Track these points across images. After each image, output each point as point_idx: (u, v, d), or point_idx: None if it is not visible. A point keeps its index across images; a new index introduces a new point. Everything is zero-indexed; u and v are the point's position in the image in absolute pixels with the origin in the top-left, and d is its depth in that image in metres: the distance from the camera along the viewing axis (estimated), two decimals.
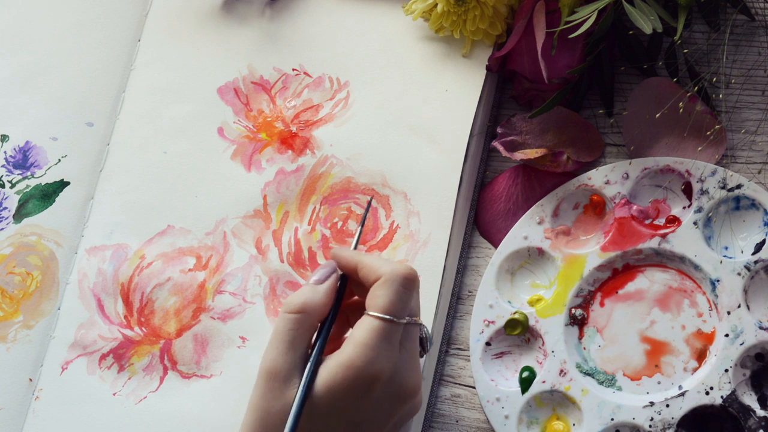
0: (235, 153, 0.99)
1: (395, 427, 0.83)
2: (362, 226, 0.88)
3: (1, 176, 1.03)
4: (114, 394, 0.95)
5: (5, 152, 1.04)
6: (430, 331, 0.87)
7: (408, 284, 0.81)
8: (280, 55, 1.01)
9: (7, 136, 1.04)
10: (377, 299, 0.80)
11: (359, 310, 0.83)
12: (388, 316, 0.80)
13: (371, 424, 0.80)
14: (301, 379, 0.79)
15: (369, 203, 0.90)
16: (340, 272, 0.85)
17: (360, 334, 0.79)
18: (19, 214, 1.02)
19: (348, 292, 0.86)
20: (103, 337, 0.97)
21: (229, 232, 0.97)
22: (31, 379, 0.97)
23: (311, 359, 0.80)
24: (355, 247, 0.87)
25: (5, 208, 1.02)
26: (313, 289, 0.82)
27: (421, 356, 0.85)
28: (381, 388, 0.79)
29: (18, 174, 1.03)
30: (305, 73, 1.00)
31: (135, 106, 1.02)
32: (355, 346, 0.79)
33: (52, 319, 0.98)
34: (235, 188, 0.98)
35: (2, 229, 1.02)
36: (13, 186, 1.03)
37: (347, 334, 0.86)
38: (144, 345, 0.96)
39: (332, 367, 0.79)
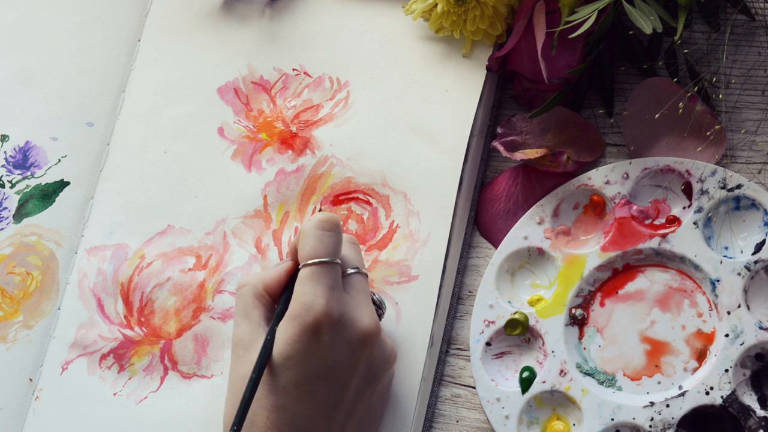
0: (236, 153, 0.99)
1: (372, 377, 0.85)
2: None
3: (1, 176, 1.03)
4: (114, 395, 0.95)
5: (5, 152, 1.04)
6: (378, 298, 0.90)
7: (324, 225, 0.84)
8: (280, 55, 1.01)
9: (7, 136, 1.04)
10: (300, 251, 0.84)
11: None
12: (313, 261, 0.82)
13: (336, 371, 0.82)
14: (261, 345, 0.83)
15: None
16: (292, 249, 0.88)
17: (296, 287, 0.83)
18: (19, 214, 1.02)
19: None
20: (103, 337, 0.97)
21: (229, 231, 0.97)
22: (31, 379, 0.97)
23: (270, 325, 0.83)
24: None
25: (5, 208, 1.02)
26: (263, 268, 0.88)
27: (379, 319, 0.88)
28: (329, 330, 0.81)
29: (18, 174, 1.03)
30: (305, 73, 1.00)
31: (135, 106, 1.02)
32: (294, 300, 0.82)
33: (52, 319, 0.98)
34: (235, 188, 0.98)
35: (2, 229, 1.02)
36: (13, 186, 1.03)
37: None
38: (144, 345, 0.96)
39: (281, 326, 0.82)
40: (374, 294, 0.89)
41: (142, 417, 0.94)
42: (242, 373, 0.83)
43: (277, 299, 0.86)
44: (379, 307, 0.89)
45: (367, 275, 0.87)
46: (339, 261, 0.84)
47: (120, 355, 0.96)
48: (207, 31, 1.03)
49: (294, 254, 0.86)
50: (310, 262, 0.83)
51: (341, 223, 0.86)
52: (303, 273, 0.83)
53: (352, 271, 0.86)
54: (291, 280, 0.86)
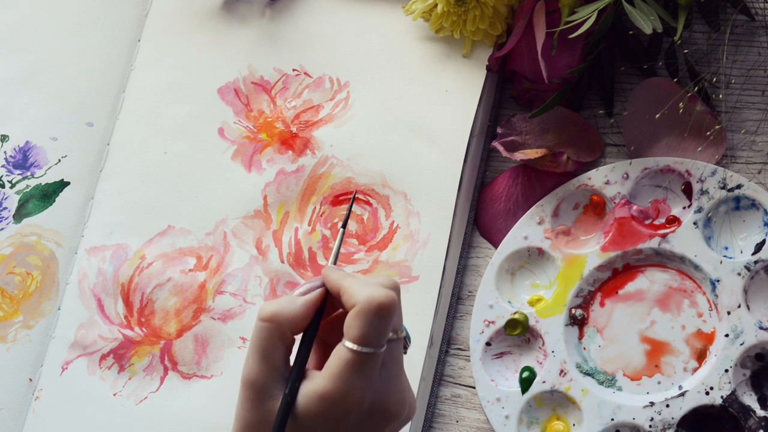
0: (236, 153, 0.99)
1: None
2: (340, 240, 0.85)
3: (1, 176, 1.03)
4: (114, 395, 0.95)
5: (5, 152, 1.04)
6: (408, 333, 0.83)
7: (383, 313, 0.77)
8: (280, 55, 1.01)
9: (7, 136, 1.04)
10: (351, 330, 0.77)
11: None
12: (362, 349, 0.76)
13: None
14: (279, 394, 0.77)
15: (345, 221, 0.87)
16: (323, 289, 0.81)
17: (334, 365, 0.77)
18: (19, 214, 1.02)
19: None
20: (104, 337, 0.97)
21: (229, 232, 0.97)
22: (31, 379, 0.97)
23: (290, 379, 0.77)
24: (334, 262, 0.84)
25: (5, 208, 1.02)
26: (290, 300, 0.79)
27: (405, 353, 0.82)
28: (358, 417, 0.77)
29: (18, 174, 1.03)
30: (305, 73, 1.00)
31: (135, 106, 1.02)
32: (329, 377, 0.76)
33: (52, 319, 0.98)
34: (235, 189, 0.98)
35: (2, 229, 1.02)
36: (13, 186, 1.03)
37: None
38: (144, 345, 0.96)
39: (307, 395, 0.77)
40: (405, 330, 0.81)
41: (142, 417, 0.94)
42: (254, 421, 0.77)
43: (298, 332, 0.80)
44: (405, 345, 0.82)
45: (404, 338, 0.80)
46: (383, 350, 0.77)
47: (120, 356, 0.96)
48: (207, 31, 1.03)
49: (331, 291, 0.80)
50: (355, 348, 0.76)
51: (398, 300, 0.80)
52: (345, 355, 0.76)
53: (391, 336, 0.78)
54: (317, 312, 0.80)
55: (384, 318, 0.77)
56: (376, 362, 0.77)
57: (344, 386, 0.76)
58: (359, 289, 0.78)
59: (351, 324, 0.77)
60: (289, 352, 0.79)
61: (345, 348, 0.76)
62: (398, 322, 0.80)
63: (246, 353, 0.79)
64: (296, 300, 0.79)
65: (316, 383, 0.77)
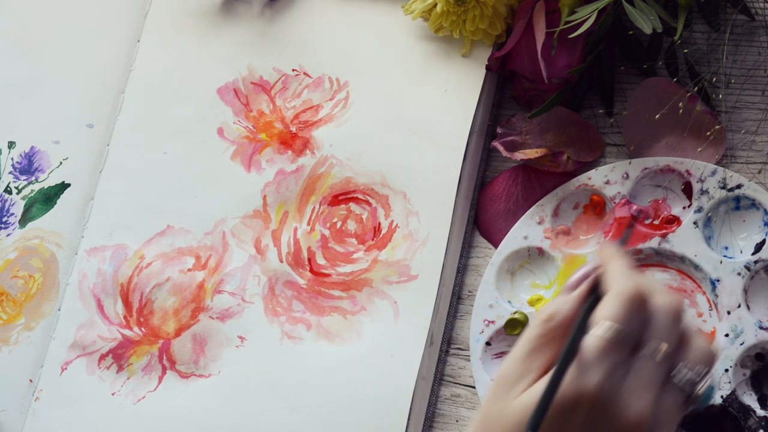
0: (235, 153, 0.99)
1: None
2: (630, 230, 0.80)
3: (9, 183, 1.03)
4: (113, 394, 0.95)
5: (12, 158, 1.04)
6: (714, 381, 0.73)
7: (637, 299, 0.70)
8: (279, 55, 1.01)
9: (14, 143, 1.04)
10: (601, 309, 0.70)
11: None
12: (609, 326, 0.69)
13: None
14: (529, 384, 0.71)
15: (632, 224, 0.83)
16: (592, 278, 0.74)
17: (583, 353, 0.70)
18: (24, 219, 1.02)
19: None
20: (103, 337, 0.97)
21: (228, 232, 0.97)
22: (31, 380, 0.97)
23: (556, 365, 0.70)
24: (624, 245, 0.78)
25: (12, 214, 1.03)
26: (564, 298, 0.73)
27: (689, 405, 0.71)
28: (588, 411, 0.68)
29: (24, 180, 1.03)
30: (305, 73, 1.00)
31: (135, 107, 1.03)
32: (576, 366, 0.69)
33: (52, 320, 0.98)
34: (234, 188, 0.98)
35: (9, 234, 1.02)
36: (19, 192, 1.03)
37: None
38: (143, 345, 0.96)
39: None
40: (710, 389, 0.70)
41: (141, 416, 0.94)
42: (495, 412, 0.71)
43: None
44: (690, 393, 0.70)
45: (662, 359, 0.70)
46: (632, 334, 0.70)
47: (119, 355, 0.96)
48: (207, 32, 1.03)
49: (589, 283, 0.74)
50: (605, 326, 0.69)
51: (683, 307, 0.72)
52: (592, 342, 0.69)
53: (648, 353, 0.70)
54: (588, 304, 0.73)
55: (636, 304, 0.70)
56: (622, 350, 0.69)
57: (578, 370, 0.68)
58: (621, 275, 0.72)
59: (602, 305, 0.70)
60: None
61: (592, 336, 0.69)
62: (664, 333, 0.71)
63: (513, 349, 0.73)
64: (568, 297, 0.74)
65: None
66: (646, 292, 0.70)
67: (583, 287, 0.73)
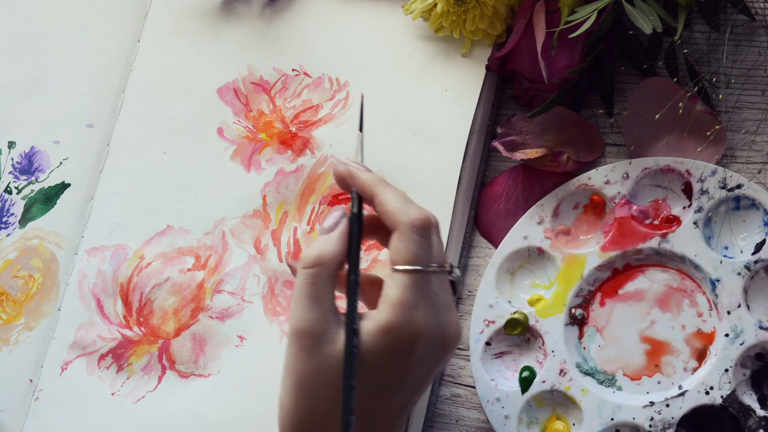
0: (235, 153, 0.99)
1: (441, 369, 0.83)
2: (361, 145, 0.84)
3: (9, 183, 1.03)
4: (113, 394, 0.95)
5: (12, 159, 1.04)
6: (459, 274, 0.84)
7: (424, 232, 0.78)
8: (279, 55, 1.01)
9: (14, 143, 1.04)
10: (400, 253, 0.77)
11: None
12: (414, 267, 0.77)
13: (416, 378, 0.78)
14: (336, 338, 0.77)
15: (361, 102, 0.86)
16: (348, 215, 0.81)
17: (393, 293, 0.77)
18: (24, 219, 1.02)
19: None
20: (103, 337, 0.97)
21: (228, 231, 0.97)
22: (31, 380, 0.97)
23: (348, 317, 0.77)
24: (361, 159, 0.84)
25: (12, 214, 1.03)
26: (326, 239, 0.79)
27: (456, 304, 0.82)
28: (423, 345, 0.77)
29: (24, 180, 1.03)
30: (305, 73, 1.00)
31: (135, 107, 1.03)
32: (389, 308, 0.77)
33: (52, 320, 0.98)
34: (234, 188, 0.98)
35: (9, 234, 1.02)
36: (19, 192, 1.03)
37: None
38: (143, 345, 0.96)
39: (369, 332, 0.76)
40: (454, 269, 0.82)
41: (140, 416, 0.94)
42: (311, 370, 0.77)
43: (342, 267, 0.80)
44: (456, 288, 0.84)
45: (450, 269, 0.81)
46: (434, 268, 0.79)
47: (118, 355, 0.96)
48: (206, 32, 1.03)
49: (360, 193, 0.81)
50: (409, 268, 0.77)
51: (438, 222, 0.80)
52: (401, 279, 0.77)
53: (437, 268, 0.79)
54: (350, 243, 0.79)
55: (425, 237, 0.78)
56: (431, 282, 0.78)
57: (406, 312, 0.77)
58: (396, 209, 0.79)
59: (397, 247, 0.78)
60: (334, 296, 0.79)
61: (398, 273, 0.77)
62: (439, 254, 0.80)
63: (292, 306, 0.78)
64: (330, 237, 0.79)
65: (376, 318, 0.77)
66: (430, 219, 0.78)
67: (343, 226, 0.80)
